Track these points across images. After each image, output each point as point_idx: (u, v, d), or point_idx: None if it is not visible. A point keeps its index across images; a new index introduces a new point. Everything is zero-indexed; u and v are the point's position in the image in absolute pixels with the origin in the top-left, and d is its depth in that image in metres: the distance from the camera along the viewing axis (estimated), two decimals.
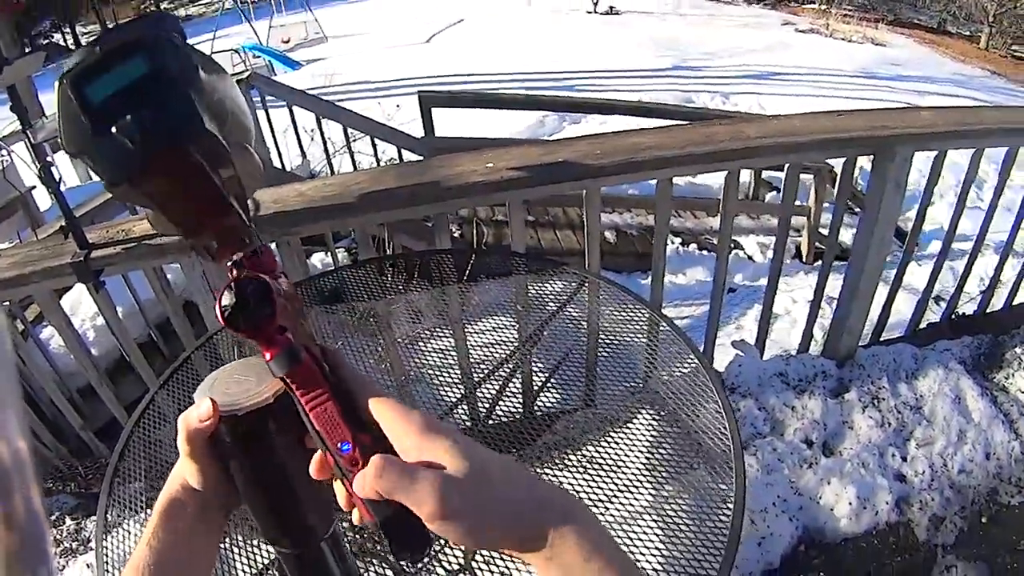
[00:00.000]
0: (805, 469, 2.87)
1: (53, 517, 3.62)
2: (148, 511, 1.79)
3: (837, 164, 3.05)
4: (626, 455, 1.69)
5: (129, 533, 1.72)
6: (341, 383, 0.73)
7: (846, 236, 6.69)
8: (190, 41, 0.75)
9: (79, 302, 4.59)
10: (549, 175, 2.47)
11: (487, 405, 2.08)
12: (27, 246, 2.82)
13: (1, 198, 5.68)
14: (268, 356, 0.70)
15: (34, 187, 5.61)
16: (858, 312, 3.20)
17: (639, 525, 1.51)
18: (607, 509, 1.55)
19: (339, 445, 0.69)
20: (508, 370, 2.12)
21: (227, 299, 0.70)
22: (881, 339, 3.52)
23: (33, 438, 3.68)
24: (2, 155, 6.26)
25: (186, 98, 0.71)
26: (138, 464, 1.81)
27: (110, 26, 0.78)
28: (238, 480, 0.78)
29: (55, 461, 3.79)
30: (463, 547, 0.67)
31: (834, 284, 3.26)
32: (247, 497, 0.80)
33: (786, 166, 2.89)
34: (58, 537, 3.50)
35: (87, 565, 3.11)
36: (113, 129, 0.70)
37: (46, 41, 29.46)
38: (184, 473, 0.80)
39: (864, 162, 2.96)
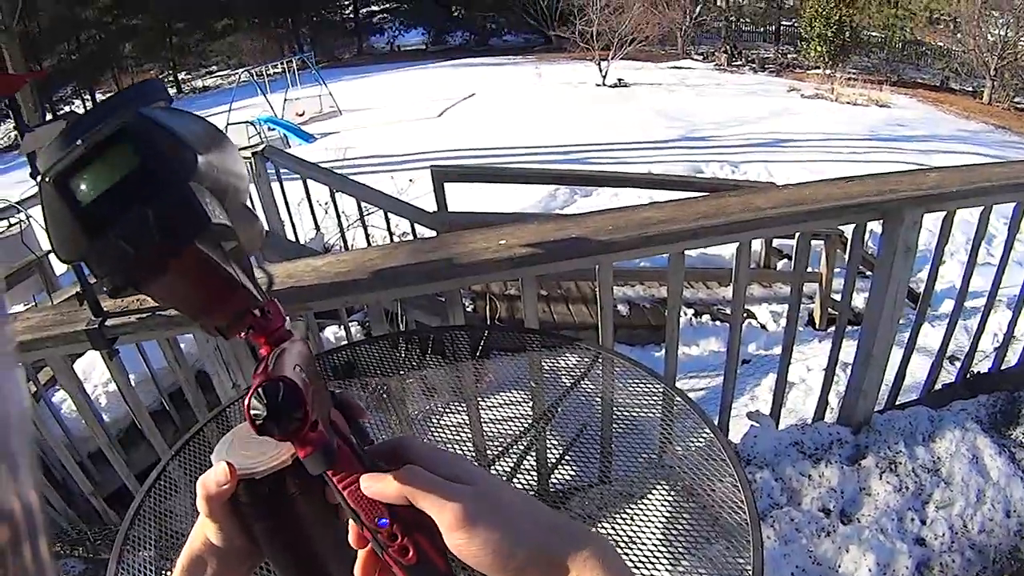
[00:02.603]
0: (823, 538, 2.83)
1: None
2: None
3: (847, 228, 3.06)
4: (643, 530, 1.68)
5: None
6: (371, 455, 0.71)
7: (858, 300, 6.68)
8: (204, 114, 0.72)
9: (92, 367, 4.59)
10: (562, 251, 2.49)
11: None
12: (42, 311, 2.85)
13: (18, 261, 5.74)
14: (302, 455, 0.67)
15: (50, 251, 5.69)
16: (873, 377, 3.19)
17: None
18: None
19: (377, 521, 0.67)
20: (523, 446, 2.12)
21: (257, 408, 0.65)
22: (896, 403, 3.49)
23: (43, 501, 3.66)
24: (20, 218, 6.36)
25: (186, 192, 0.66)
26: (148, 533, 1.80)
27: (82, 111, 0.75)
28: (261, 539, 0.77)
29: (63, 524, 3.77)
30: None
31: (848, 349, 3.25)
32: (270, 555, 0.79)
33: (797, 234, 2.92)
34: None
35: None
36: (109, 232, 0.64)
37: (67, 109, 30.17)
38: (205, 531, 0.79)
39: (874, 225, 2.98)
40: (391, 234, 6.57)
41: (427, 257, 2.52)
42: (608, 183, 7.17)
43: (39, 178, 0.67)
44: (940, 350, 3.49)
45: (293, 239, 7.02)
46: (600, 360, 2.15)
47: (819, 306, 6.93)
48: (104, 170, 0.66)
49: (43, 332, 2.61)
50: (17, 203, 6.26)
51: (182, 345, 2.92)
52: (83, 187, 0.65)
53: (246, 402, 0.66)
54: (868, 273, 5.13)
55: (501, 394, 2.24)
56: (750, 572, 1.47)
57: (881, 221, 2.87)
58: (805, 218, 2.68)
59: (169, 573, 1.81)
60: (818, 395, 3.47)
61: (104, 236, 0.64)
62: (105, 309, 2.53)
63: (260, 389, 0.65)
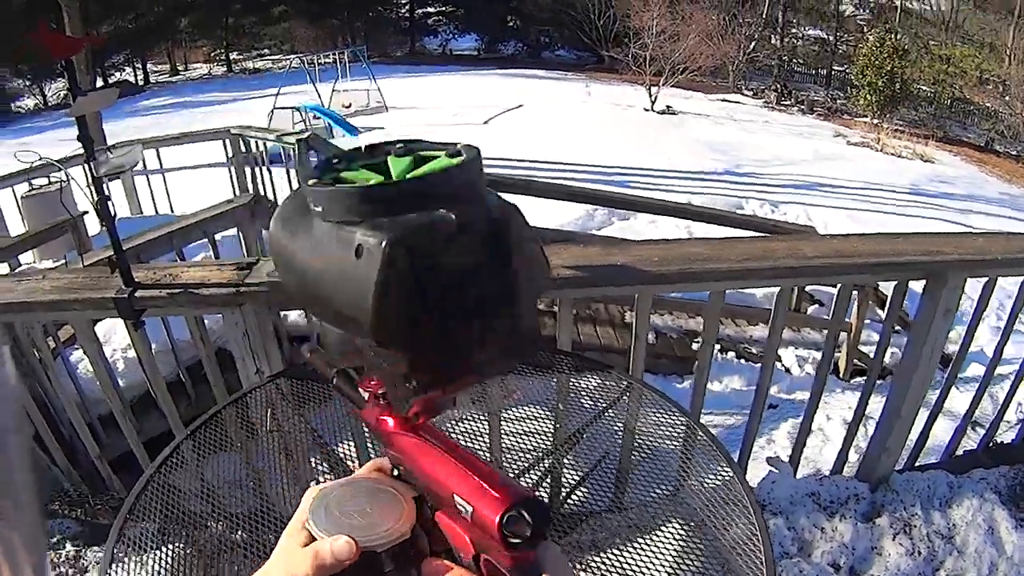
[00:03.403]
0: None
1: (54, 540, 3.59)
2: (153, 552, 1.80)
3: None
4: (652, 562, 1.68)
5: (130, 573, 1.72)
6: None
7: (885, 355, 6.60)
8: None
9: (113, 329, 4.64)
10: (605, 277, 2.49)
11: None
12: (73, 272, 2.87)
13: (54, 218, 5.83)
14: (508, 564, 0.67)
15: (86, 212, 5.71)
16: (897, 436, 3.15)
17: None
18: None
19: None
20: (544, 468, 2.12)
21: (519, 528, 0.65)
22: (916, 464, 3.45)
23: (47, 459, 3.70)
24: (60, 177, 6.42)
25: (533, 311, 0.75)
26: (152, 505, 1.82)
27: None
28: None
29: (66, 484, 3.79)
30: None
31: (872, 404, 3.22)
32: None
33: (838, 286, 2.90)
34: (55, 561, 3.47)
35: None
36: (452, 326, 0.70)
37: (119, 76, 30.50)
38: None
39: (914, 284, 2.95)
40: None
41: None
42: (649, 210, 7.13)
43: (385, 244, 0.68)
44: (965, 415, 3.44)
45: None
46: (630, 391, 2.15)
47: (845, 356, 6.85)
48: (480, 268, 0.71)
49: (71, 294, 2.62)
50: (58, 161, 6.33)
51: (206, 320, 2.96)
52: (442, 276, 0.69)
53: (496, 519, 0.65)
54: (898, 328, 5.07)
55: (524, 408, 2.24)
56: None
57: (924, 281, 2.85)
58: (851, 271, 2.67)
59: (168, 547, 1.83)
60: (836, 445, 3.44)
61: (455, 335, 0.70)
62: (136, 279, 2.53)
63: (524, 509, 0.65)
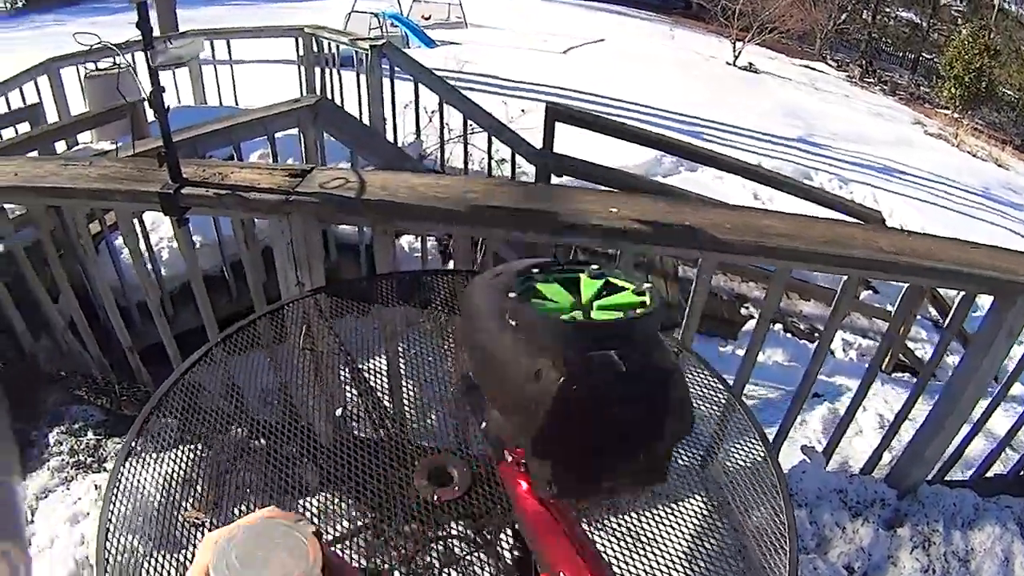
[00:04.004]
0: None
1: (76, 426, 3.64)
2: (172, 449, 1.79)
3: None
4: (668, 534, 1.61)
5: (147, 466, 1.71)
6: None
7: (922, 352, 6.42)
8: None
9: (162, 218, 4.53)
10: (672, 237, 2.39)
11: None
12: (121, 161, 2.82)
13: (112, 102, 5.74)
14: None
15: (144, 99, 5.71)
16: (935, 447, 3.05)
17: None
18: None
19: None
20: None
21: None
22: (946, 478, 3.35)
23: (79, 344, 3.72)
24: (120, 62, 6.39)
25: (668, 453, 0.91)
26: (176, 402, 1.81)
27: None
28: None
29: (94, 371, 3.82)
30: None
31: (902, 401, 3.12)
32: None
33: (905, 285, 2.77)
34: (75, 447, 3.53)
35: (95, 485, 3.12)
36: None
37: None
38: None
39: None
40: (490, 159, 6.46)
41: (532, 205, 2.44)
42: (720, 166, 6.91)
43: (562, 380, 0.82)
44: (1004, 438, 3.31)
45: (392, 140, 6.97)
46: (677, 359, 2.07)
47: (889, 348, 6.71)
48: (635, 413, 0.85)
49: (116, 184, 2.57)
50: (119, 46, 6.30)
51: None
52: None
53: None
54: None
55: None
56: None
57: (992, 297, 2.71)
58: (923, 274, 2.53)
59: (188, 446, 1.81)
60: (867, 438, 3.38)
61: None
62: (184, 175, 2.48)
63: None
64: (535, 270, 0.97)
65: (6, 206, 3.18)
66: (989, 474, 3.48)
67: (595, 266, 0.97)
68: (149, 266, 4.20)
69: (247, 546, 0.76)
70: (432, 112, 6.69)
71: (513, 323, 0.88)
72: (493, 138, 6.14)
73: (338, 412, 1.94)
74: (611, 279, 0.95)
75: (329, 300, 2.11)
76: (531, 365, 0.84)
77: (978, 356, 2.79)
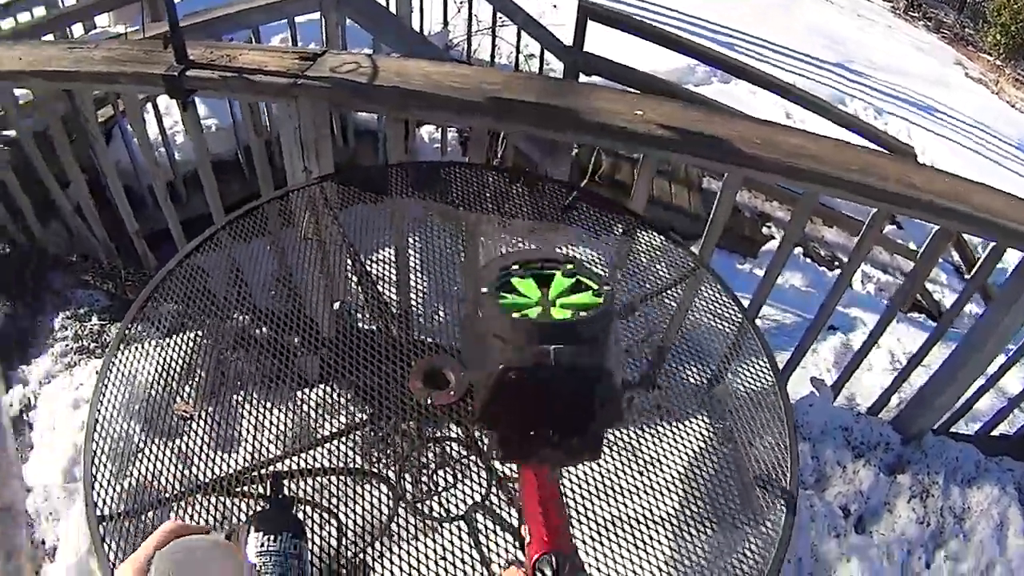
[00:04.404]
0: (831, 537, 2.74)
1: (81, 311, 3.63)
2: (172, 336, 1.75)
3: None
4: (669, 451, 1.57)
5: (145, 353, 1.69)
6: None
7: (939, 295, 6.33)
8: None
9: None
10: (699, 147, 2.27)
11: None
12: (128, 44, 2.76)
13: None
14: None
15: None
16: (946, 398, 3.00)
17: (655, 531, 1.41)
18: (630, 502, 1.44)
19: None
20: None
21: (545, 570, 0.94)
22: (951, 430, 3.29)
23: (86, 228, 3.68)
24: None
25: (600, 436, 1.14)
26: (178, 287, 1.78)
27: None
28: None
29: (100, 256, 3.79)
30: None
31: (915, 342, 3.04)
32: None
33: (935, 228, 2.64)
34: (79, 333, 3.52)
35: (95, 371, 3.11)
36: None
37: None
38: None
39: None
40: (518, 53, 6.25)
41: (553, 101, 2.31)
42: (754, 80, 6.69)
43: (501, 368, 1.06)
44: (1017, 397, 3.22)
45: (417, 29, 6.75)
46: (694, 274, 1.99)
47: (911, 290, 6.59)
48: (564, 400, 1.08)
49: (120, 67, 2.50)
50: None
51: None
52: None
53: (533, 557, 0.97)
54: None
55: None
56: (753, 542, 1.40)
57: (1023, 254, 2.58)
58: (955, 218, 2.38)
59: (187, 332, 1.77)
60: (876, 375, 3.35)
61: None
62: (191, 58, 2.39)
63: (555, 559, 0.95)
64: (515, 266, 1.20)
65: (15, 91, 3.16)
66: (995, 432, 3.44)
67: (570, 265, 1.21)
68: (162, 150, 4.15)
69: (187, 563, 0.83)
70: (461, 2, 6.51)
71: (479, 314, 1.15)
72: (522, 32, 5.94)
73: (336, 306, 1.88)
74: (581, 278, 1.19)
75: (337, 188, 2.04)
76: (485, 351, 1.08)
77: (1000, 312, 2.69)
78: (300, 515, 1.34)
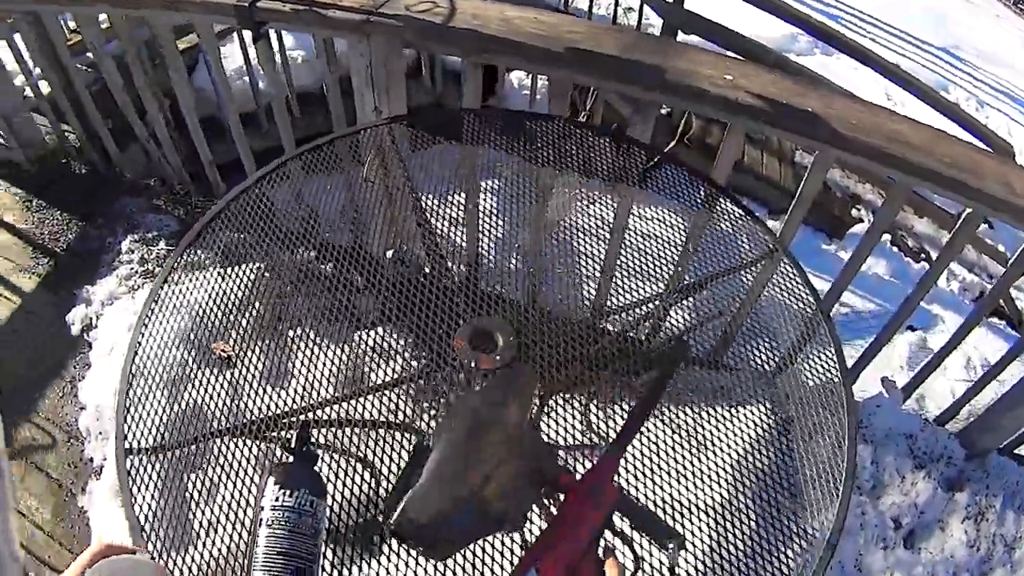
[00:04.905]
0: (878, 549, 2.63)
1: (150, 235, 3.66)
2: (237, 265, 1.72)
3: None
4: (724, 437, 1.50)
5: (196, 281, 1.69)
6: None
7: (1021, 303, 6.04)
8: None
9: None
10: (790, 120, 2.14)
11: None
12: None
13: None
14: None
15: None
16: (1017, 419, 2.80)
17: (699, 517, 1.35)
18: (677, 484, 1.37)
19: None
20: (646, 311, 1.89)
21: None
22: (1016, 451, 3.07)
23: (159, 154, 3.69)
24: None
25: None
26: (244, 216, 1.77)
27: None
28: None
29: (174, 182, 3.81)
30: None
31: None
32: None
33: None
34: (146, 256, 3.55)
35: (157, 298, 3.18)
36: None
37: None
38: None
39: None
40: (616, 5, 6.16)
41: (636, 56, 2.20)
42: (857, 55, 6.41)
43: None
44: None
45: None
46: (772, 256, 1.88)
47: (999, 297, 6.28)
48: None
49: None
50: None
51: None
52: None
53: None
54: None
55: (645, 239, 1.99)
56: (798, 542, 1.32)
57: None
58: None
59: (250, 264, 1.75)
60: (949, 381, 3.27)
61: None
62: None
63: None
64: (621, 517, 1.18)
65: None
66: None
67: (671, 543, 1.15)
68: (245, 79, 4.13)
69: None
70: None
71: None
72: None
73: (389, 254, 1.83)
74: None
75: (408, 131, 1.98)
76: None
77: None
78: (325, 470, 1.31)
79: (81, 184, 4.04)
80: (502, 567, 1.22)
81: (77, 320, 3.34)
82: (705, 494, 1.38)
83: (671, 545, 1.10)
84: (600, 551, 1.06)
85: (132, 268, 3.49)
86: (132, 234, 3.66)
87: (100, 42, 3.23)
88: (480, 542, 1.22)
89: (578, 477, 1.16)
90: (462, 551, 1.16)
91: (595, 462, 1.19)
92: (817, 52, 8.52)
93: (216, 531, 1.32)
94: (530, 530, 1.17)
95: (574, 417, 1.45)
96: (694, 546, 1.30)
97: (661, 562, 1.22)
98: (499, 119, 2.11)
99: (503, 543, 1.24)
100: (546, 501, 1.17)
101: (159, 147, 3.71)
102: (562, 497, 1.14)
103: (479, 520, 1.09)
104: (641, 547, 1.17)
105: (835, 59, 8.28)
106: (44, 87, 3.89)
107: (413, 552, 1.13)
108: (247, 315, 1.66)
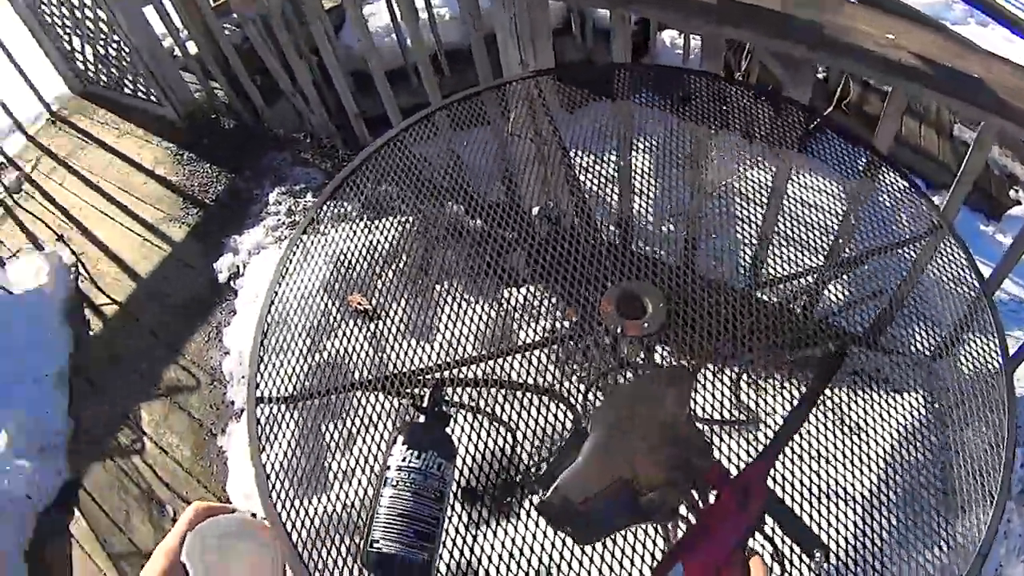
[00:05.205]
0: (1019, 562, 2.46)
1: (297, 188, 3.74)
2: (384, 218, 1.72)
3: None
4: (875, 422, 1.41)
5: (340, 231, 1.70)
6: None
7: None
8: None
9: None
10: (951, 85, 1.98)
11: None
12: None
13: None
14: None
15: None
16: None
17: (841, 505, 1.27)
18: (821, 469, 1.30)
19: None
20: (802, 285, 1.79)
21: None
22: None
23: (306, 107, 3.74)
24: None
25: None
26: (390, 166, 1.77)
27: None
28: None
29: (321, 135, 3.86)
30: None
31: None
32: None
33: None
34: (292, 208, 3.63)
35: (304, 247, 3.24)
36: None
37: None
38: None
39: None
40: None
41: (795, 11, 2.07)
42: (1012, 25, 5.97)
43: None
44: None
45: None
46: (935, 233, 1.75)
47: None
48: None
49: None
50: None
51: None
52: None
53: None
54: None
55: (803, 194, 1.88)
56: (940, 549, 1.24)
57: None
58: None
59: (393, 217, 1.74)
60: None
61: None
62: None
63: None
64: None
65: None
66: None
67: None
68: (394, 35, 4.16)
69: (219, 539, 0.83)
70: None
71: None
72: None
73: (535, 211, 1.79)
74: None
75: (557, 86, 1.93)
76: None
77: None
78: (459, 431, 1.29)
79: (230, 138, 4.18)
80: (643, 559, 1.18)
81: (224, 268, 3.47)
82: (852, 483, 1.29)
83: (818, 555, 1.09)
84: (746, 552, 1.04)
85: (279, 219, 3.59)
86: (280, 186, 3.76)
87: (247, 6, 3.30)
88: (625, 532, 1.19)
89: (731, 475, 1.15)
90: (607, 538, 1.14)
91: (749, 463, 1.17)
92: (972, 22, 8.03)
93: (342, 484, 1.33)
94: (676, 525, 1.16)
95: (723, 392, 1.39)
96: (838, 533, 1.23)
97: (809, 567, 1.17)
98: (653, 75, 2.03)
99: (647, 535, 1.20)
100: (697, 497, 1.14)
101: (306, 103, 3.77)
102: (713, 495, 1.12)
103: (628, 509, 1.09)
104: (784, 556, 1.15)
105: (990, 29, 7.77)
106: (191, 48, 4.03)
107: (559, 532, 1.12)
108: (391, 267, 1.66)
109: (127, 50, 4.12)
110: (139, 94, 4.54)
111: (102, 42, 4.30)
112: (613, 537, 1.16)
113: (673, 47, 5.37)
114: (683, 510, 1.14)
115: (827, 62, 2.29)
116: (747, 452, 1.26)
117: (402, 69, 4.18)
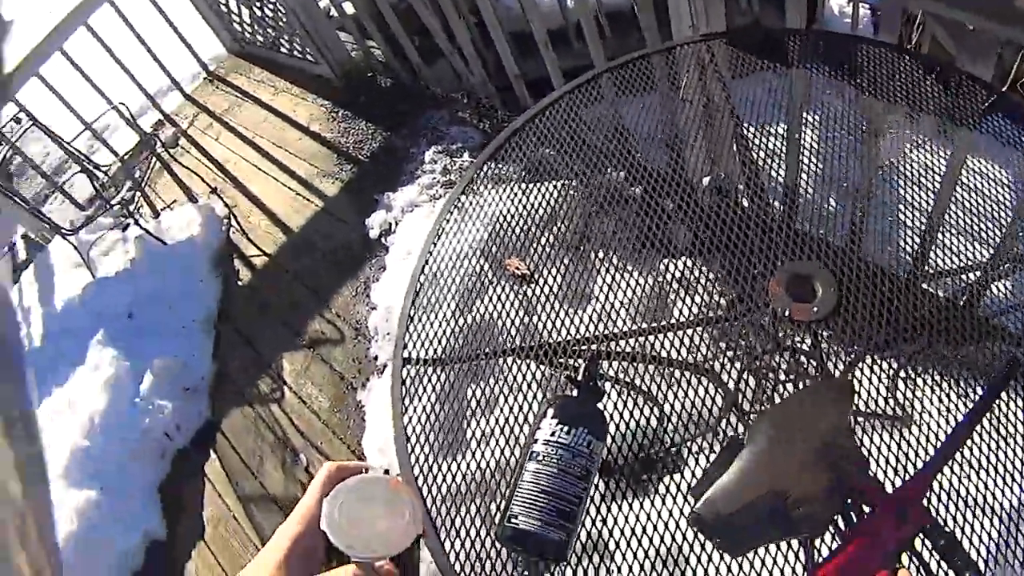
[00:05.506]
0: None
1: (454, 147, 3.73)
2: (538, 182, 1.68)
3: None
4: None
5: (498, 193, 1.66)
6: None
7: None
8: None
9: None
10: None
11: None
12: None
13: None
14: None
15: None
16: None
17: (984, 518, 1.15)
18: (970, 475, 1.18)
19: None
20: (967, 280, 1.63)
21: None
22: None
23: (466, 69, 3.72)
24: None
25: None
26: (551, 129, 1.72)
27: None
28: None
29: (480, 95, 3.84)
30: None
31: None
32: None
33: None
34: (448, 167, 3.63)
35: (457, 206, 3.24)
36: None
37: None
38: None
39: None
40: None
41: None
42: None
43: None
44: None
45: None
46: None
47: None
48: None
49: None
50: None
51: None
52: None
53: None
54: None
55: (975, 180, 1.71)
56: None
57: None
58: None
59: (550, 182, 1.69)
60: None
61: None
62: None
63: None
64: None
65: None
66: None
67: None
68: None
69: (354, 499, 0.81)
70: None
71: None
72: None
73: (705, 181, 1.71)
74: None
75: (727, 50, 1.83)
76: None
77: None
78: (609, 408, 1.24)
79: (386, 97, 4.22)
80: (782, 572, 1.11)
81: (376, 224, 3.51)
82: (1002, 494, 1.17)
83: (968, 575, 1.01)
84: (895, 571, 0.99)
85: (434, 178, 3.60)
86: (436, 145, 3.77)
87: None
88: (775, 544, 1.14)
89: (888, 491, 1.09)
90: (756, 550, 1.10)
91: (907, 480, 1.11)
92: None
93: (482, 450, 1.31)
94: (823, 540, 1.11)
95: (880, 385, 1.29)
96: (987, 549, 1.13)
97: None
98: (827, 42, 1.90)
99: (793, 550, 1.13)
100: (851, 512, 1.10)
101: (465, 63, 3.76)
102: (867, 510, 1.06)
103: (780, 521, 1.05)
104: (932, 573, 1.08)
105: None
106: (348, 8, 4.08)
107: (709, 542, 1.08)
108: (549, 232, 1.62)
109: (283, 11, 4.21)
110: (295, 53, 4.64)
111: (258, 4, 4.41)
112: (763, 549, 1.13)
113: (842, 15, 5.10)
114: (837, 525, 1.10)
115: (1009, 35, 2.07)
116: (904, 464, 1.18)
117: (561, 31, 4.10)
